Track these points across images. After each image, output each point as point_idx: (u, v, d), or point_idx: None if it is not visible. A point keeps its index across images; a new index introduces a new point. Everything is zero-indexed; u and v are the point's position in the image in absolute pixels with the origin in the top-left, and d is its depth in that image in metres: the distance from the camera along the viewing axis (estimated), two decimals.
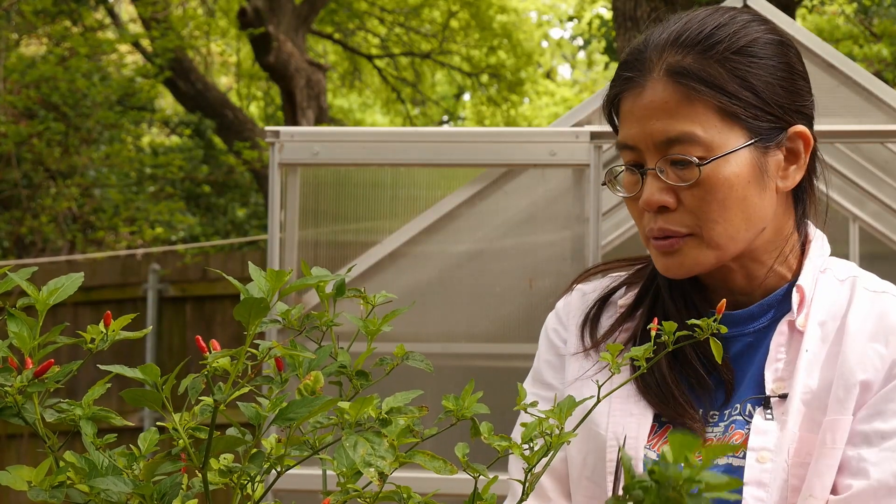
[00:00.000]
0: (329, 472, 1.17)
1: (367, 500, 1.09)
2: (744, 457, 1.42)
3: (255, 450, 1.07)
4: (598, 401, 1.21)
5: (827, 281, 1.50)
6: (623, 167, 1.48)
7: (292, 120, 11.58)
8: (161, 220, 10.42)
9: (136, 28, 13.17)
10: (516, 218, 3.79)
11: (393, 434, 1.08)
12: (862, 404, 1.41)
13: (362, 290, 1.35)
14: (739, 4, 3.91)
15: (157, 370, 1.01)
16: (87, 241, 10.42)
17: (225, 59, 15.41)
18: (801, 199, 1.52)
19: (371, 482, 1.07)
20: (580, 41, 15.89)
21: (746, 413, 1.46)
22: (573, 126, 3.67)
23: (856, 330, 1.45)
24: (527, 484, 1.15)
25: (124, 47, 12.10)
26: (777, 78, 1.44)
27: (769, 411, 1.44)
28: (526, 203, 3.74)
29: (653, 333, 1.23)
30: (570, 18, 15.53)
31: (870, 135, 3.76)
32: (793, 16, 7.98)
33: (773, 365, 1.46)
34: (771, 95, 1.43)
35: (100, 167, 10.46)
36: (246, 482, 1.07)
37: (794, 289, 1.47)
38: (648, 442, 1.50)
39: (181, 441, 1.04)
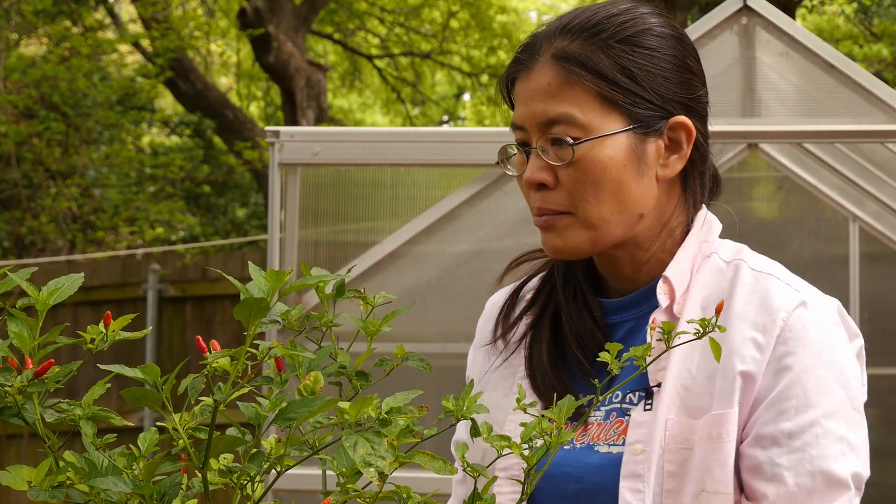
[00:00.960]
0: (329, 472, 1.17)
1: (367, 500, 1.09)
2: (623, 444, 1.45)
3: (254, 450, 1.07)
4: (590, 403, 1.21)
5: (710, 265, 1.51)
6: (515, 146, 1.54)
7: (292, 120, 11.58)
8: (161, 220, 10.42)
9: (136, 28, 13.16)
10: (516, 218, 3.79)
11: (393, 434, 1.08)
12: (750, 398, 1.42)
13: (362, 290, 1.35)
14: (740, 5, 3.91)
15: (157, 370, 1.01)
16: (87, 241, 10.42)
17: (225, 59, 15.41)
18: (688, 188, 1.54)
19: (371, 482, 1.07)
20: None
21: (628, 401, 1.49)
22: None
23: (738, 315, 1.46)
24: (526, 484, 1.15)
25: (124, 47, 12.11)
26: (661, 69, 1.48)
27: (650, 402, 1.46)
28: (526, 203, 3.74)
29: (651, 333, 1.23)
30: None
31: (870, 135, 3.76)
32: (793, 16, 7.99)
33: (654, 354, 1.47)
34: (652, 85, 1.47)
35: (100, 167, 10.47)
36: (246, 482, 1.07)
37: (661, 279, 1.49)
38: None
39: (181, 441, 1.05)
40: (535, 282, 1.65)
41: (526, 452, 1.15)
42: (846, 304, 5.20)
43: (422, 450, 1.12)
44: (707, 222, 1.54)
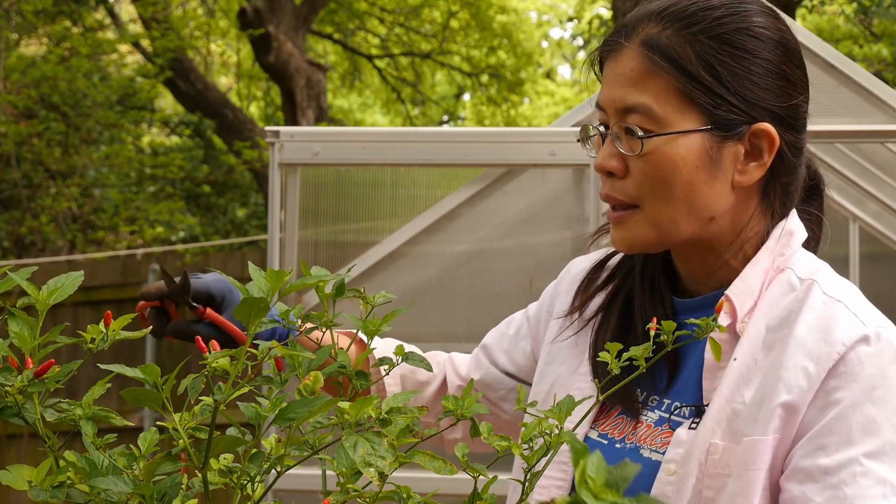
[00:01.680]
0: (329, 472, 1.17)
1: (367, 500, 1.09)
2: (664, 454, 1.42)
3: (254, 450, 1.07)
4: (598, 400, 1.20)
5: (782, 281, 1.46)
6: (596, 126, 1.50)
7: (292, 120, 11.58)
8: (161, 220, 10.42)
9: (136, 28, 13.16)
10: (516, 218, 3.79)
11: (392, 434, 1.08)
12: (793, 430, 1.36)
13: (362, 290, 1.35)
14: None
15: (158, 370, 1.01)
16: (87, 241, 10.42)
17: (225, 59, 15.40)
18: (766, 198, 1.48)
19: (371, 482, 1.07)
20: (580, 41, 15.89)
21: (679, 413, 1.45)
22: (573, 126, 3.67)
23: (797, 340, 1.39)
24: (526, 483, 1.15)
25: (124, 47, 12.10)
26: (751, 73, 1.42)
27: (696, 421, 1.42)
28: (526, 203, 3.74)
29: (652, 332, 1.23)
30: (570, 19, 15.51)
31: (870, 135, 3.76)
32: (793, 16, 7.99)
33: (710, 371, 1.43)
34: (738, 87, 1.41)
35: (100, 167, 10.46)
36: (246, 482, 1.07)
37: (723, 298, 1.44)
38: (595, 422, 1.51)
39: (181, 441, 1.05)
40: (618, 258, 1.62)
41: (526, 453, 1.15)
42: None
43: (422, 450, 1.12)
44: (785, 234, 1.48)
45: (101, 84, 10.35)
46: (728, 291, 1.43)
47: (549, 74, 20.02)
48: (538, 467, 1.15)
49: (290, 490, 3.33)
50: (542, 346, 1.65)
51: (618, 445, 1.47)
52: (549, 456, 1.14)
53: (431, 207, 3.74)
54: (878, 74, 8.71)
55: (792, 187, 1.50)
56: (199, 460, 1.04)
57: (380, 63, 15.46)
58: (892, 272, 5.31)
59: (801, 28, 4.06)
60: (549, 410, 1.15)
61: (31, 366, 1.09)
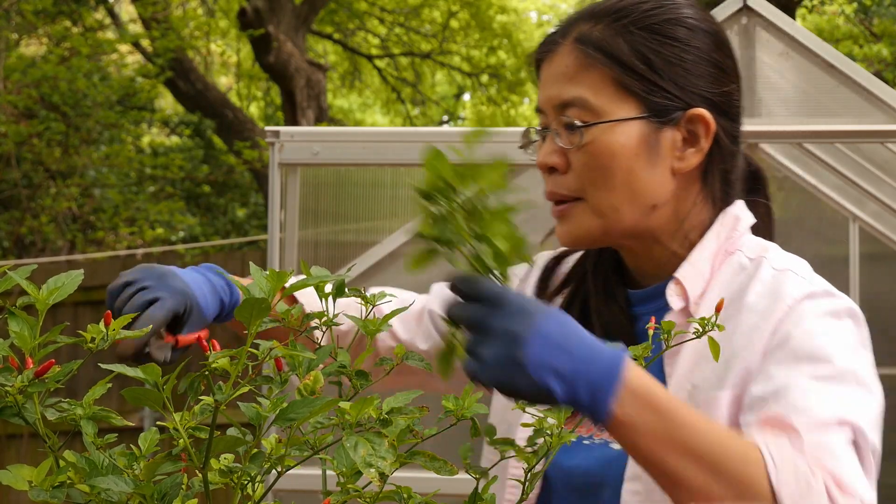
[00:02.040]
0: (329, 472, 1.17)
1: (368, 500, 1.09)
2: None
3: (255, 450, 1.07)
4: None
5: (732, 263, 1.48)
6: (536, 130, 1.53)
7: (292, 120, 11.57)
8: (161, 220, 10.42)
9: (136, 28, 13.16)
10: (516, 218, 3.78)
11: (393, 434, 1.08)
12: (748, 382, 1.38)
13: (362, 289, 1.35)
14: (740, 5, 3.91)
15: (158, 370, 1.01)
16: (87, 241, 10.42)
17: (225, 60, 15.40)
18: (707, 185, 1.50)
19: (371, 482, 1.07)
20: None
21: None
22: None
23: (748, 307, 1.42)
24: (527, 483, 1.15)
25: (124, 47, 12.10)
26: (682, 60, 1.46)
27: None
28: (524, 202, 3.74)
29: (651, 332, 1.23)
30: None
31: (870, 135, 3.76)
32: (793, 16, 7.99)
33: (670, 357, 1.45)
34: (671, 75, 1.45)
35: (100, 167, 10.46)
36: (246, 482, 1.07)
37: (672, 281, 1.47)
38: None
39: (181, 441, 1.05)
40: (573, 260, 1.63)
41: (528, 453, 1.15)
42: None
43: (422, 450, 1.12)
44: (731, 218, 1.51)
45: (101, 84, 10.34)
46: (677, 274, 1.46)
47: None
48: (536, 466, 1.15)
49: (290, 490, 3.33)
50: None
51: (586, 442, 1.48)
52: (549, 457, 1.14)
53: None
54: (878, 74, 8.71)
55: (732, 175, 1.53)
56: (200, 460, 1.04)
57: (380, 63, 15.46)
58: (892, 272, 5.31)
59: (801, 28, 4.05)
60: (548, 410, 1.15)
61: (32, 366, 1.09)
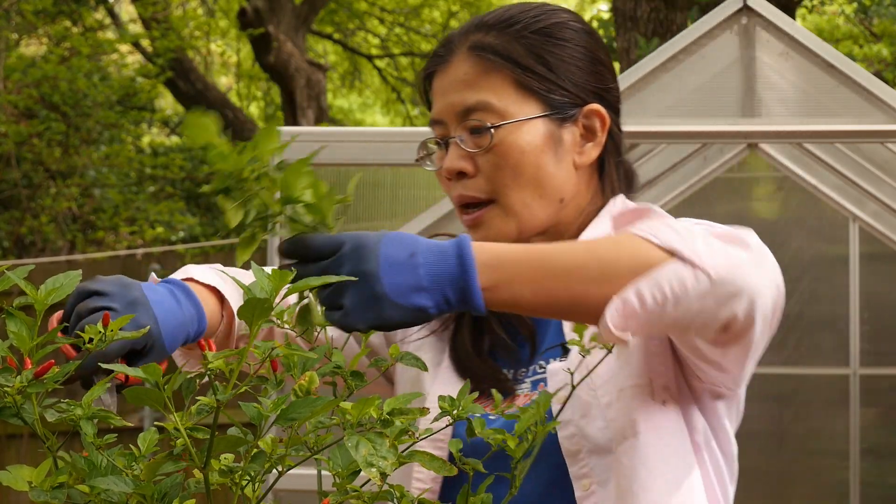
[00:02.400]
0: (324, 472, 1.17)
1: (366, 500, 1.09)
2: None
3: (255, 450, 1.07)
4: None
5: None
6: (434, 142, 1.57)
7: (292, 120, 11.58)
8: (161, 220, 10.42)
9: (136, 28, 13.16)
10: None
11: (392, 434, 1.08)
12: None
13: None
14: (740, 5, 3.91)
15: (159, 370, 1.01)
16: (87, 241, 10.42)
17: (225, 59, 15.41)
18: (605, 176, 1.58)
19: (368, 481, 1.07)
20: None
21: (549, 362, 1.50)
22: None
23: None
24: (517, 476, 1.15)
25: (125, 47, 12.10)
26: (574, 59, 1.53)
27: (564, 358, 1.48)
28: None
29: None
30: None
31: (870, 135, 3.76)
32: (793, 16, 7.99)
33: (569, 326, 1.47)
34: (566, 73, 1.52)
35: (100, 167, 10.46)
36: (246, 483, 1.07)
37: None
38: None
39: (180, 441, 1.04)
40: None
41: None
42: (846, 304, 5.21)
43: (420, 450, 1.12)
44: (621, 205, 1.57)
45: (101, 84, 10.35)
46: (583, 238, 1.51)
47: None
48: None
49: (290, 490, 3.33)
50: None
51: (492, 417, 1.47)
52: (534, 451, 1.15)
53: (431, 207, 3.74)
54: (878, 74, 8.71)
55: (624, 166, 1.60)
56: (201, 460, 1.04)
57: (380, 63, 15.47)
58: (892, 272, 5.31)
59: (801, 28, 4.05)
60: (534, 404, 1.15)
61: (30, 366, 1.09)
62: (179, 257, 9.16)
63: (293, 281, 1.11)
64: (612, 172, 1.58)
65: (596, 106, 1.54)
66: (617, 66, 9.05)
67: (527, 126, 1.50)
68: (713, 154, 5.14)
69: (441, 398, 1.21)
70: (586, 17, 14.87)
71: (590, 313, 1.26)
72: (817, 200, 5.16)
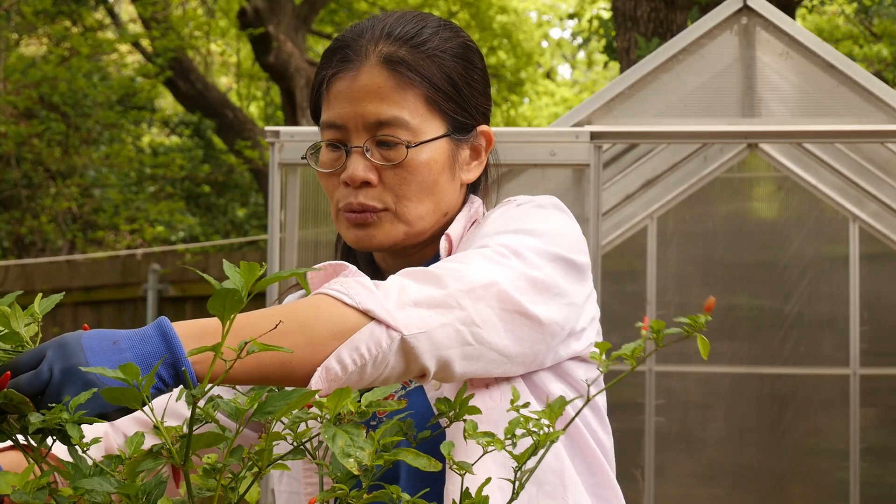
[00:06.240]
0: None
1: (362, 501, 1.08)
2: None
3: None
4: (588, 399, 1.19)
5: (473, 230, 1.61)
6: (326, 143, 1.58)
7: (292, 120, 11.58)
8: (161, 220, 10.42)
9: (136, 28, 13.16)
10: None
11: (379, 432, 1.07)
12: None
13: None
14: (740, 5, 3.90)
15: (137, 370, 1.01)
16: (87, 240, 10.42)
17: (225, 59, 15.41)
18: (474, 188, 1.65)
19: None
20: (579, 40, 15.90)
21: None
22: (573, 126, 3.67)
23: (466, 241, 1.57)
24: (517, 484, 1.14)
25: (124, 47, 12.10)
26: (476, 82, 1.60)
27: None
28: None
29: (644, 331, 1.22)
30: (571, 16, 15.50)
31: (870, 135, 3.75)
32: (793, 16, 7.98)
33: None
34: (468, 94, 1.59)
35: (100, 167, 10.47)
36: (230, 481, 1.06)
37: (444, 237, 1.57)
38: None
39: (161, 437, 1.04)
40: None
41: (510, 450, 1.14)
42: (846, 304, 5.21)
43: (407, 448, 1.11)
44: (475, 203, 1.64)
45: (101, 84, 10.35)
46: (448, 231, 1.57)
47: (549, 74, 20.03)
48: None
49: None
50: None
51: (405, 390, 1.52)
52: (540, 454, 1.13)
53: None
54: (878, 74, 8.70)
55: (485, 178, 1.69)
56: (180, 458, 1.03)
57: None
58: (892, 272, 5.30)
59: (801, 28, 4.04)
60: (541, 411, 1.14)
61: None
62: (179, 257, 9.15)
63: (12, 399, 1.08)
64: (480, 185, 1.66)
65: (485, 127, 1.62)
66: (617, 66, 9.05)
67: (433, 144, 1.55)
68: (713, 154, 5.14)
69: (438, 401, 1.19)
70: (586, 17, 14.85)
71: (298, 379, 1.27)
72: (817, 200, 5.16)
